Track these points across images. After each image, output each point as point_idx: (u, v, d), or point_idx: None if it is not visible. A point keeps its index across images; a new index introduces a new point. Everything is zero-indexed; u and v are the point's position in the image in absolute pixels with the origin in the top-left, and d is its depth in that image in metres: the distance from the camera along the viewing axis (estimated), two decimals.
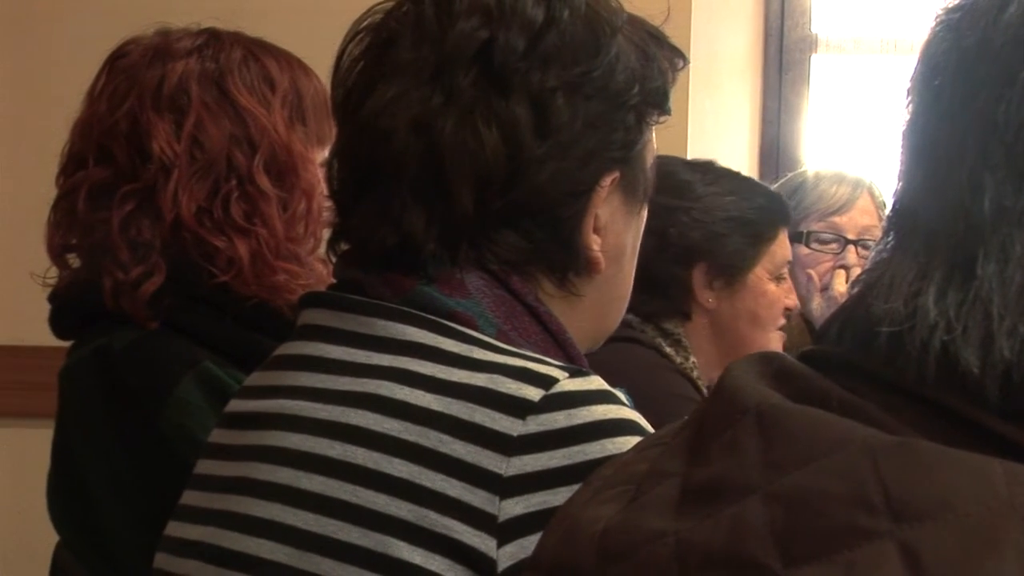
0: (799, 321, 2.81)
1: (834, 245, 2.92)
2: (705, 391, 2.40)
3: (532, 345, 1.39)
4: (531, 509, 1.26)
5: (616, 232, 1.45)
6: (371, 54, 1.42)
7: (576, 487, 0.93)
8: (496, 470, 1.27)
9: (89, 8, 3.20)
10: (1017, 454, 0.74)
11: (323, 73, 1.72)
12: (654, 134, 1.47)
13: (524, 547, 1.25)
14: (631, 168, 1.44)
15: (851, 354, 0.83)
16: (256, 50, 1.99)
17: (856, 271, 2.84)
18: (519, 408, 1.29)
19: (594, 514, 0.86)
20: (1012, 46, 0.79)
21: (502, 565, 1.26)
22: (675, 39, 1.49)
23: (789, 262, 2.55)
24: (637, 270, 1.54)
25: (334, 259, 1.47)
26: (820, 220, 2.93)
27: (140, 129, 1.92)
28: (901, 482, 0.73)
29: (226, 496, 1.41)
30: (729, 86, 3.44)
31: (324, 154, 1.93)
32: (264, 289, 1.90)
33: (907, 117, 0.84)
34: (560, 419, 1.28)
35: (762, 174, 3.40)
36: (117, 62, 1.98)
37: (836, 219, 2.93)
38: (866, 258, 2.30)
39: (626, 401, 1.34)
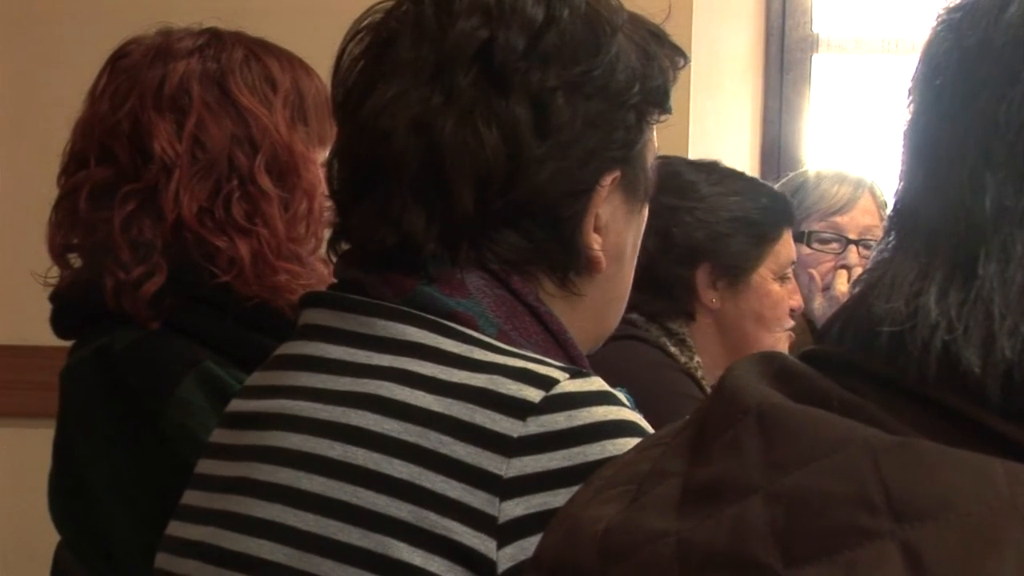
0: (800, 321, 2.81)
1: (835, 245, 2.93)
2: (709, 391, 2.40)
3: (533, 345, 1.39)
4: (531, 510, 1.26)
5: (617, 231, 1.45)
6: (371, 53, 1.42)
7: (576, 488, 0.93)
8: (496, 471, 1.27)
9: (90, 8, 3.20)
10: (1018, 454, 0.74)
11: (324, 73, 1.72)
12: (655, 133, 1.47)
13: (524, 548, 1.25)
14: (632, 167, 1.44)
15: (852, 354, 0.82)
16: (258, 50, 1.99)
17: (858, 271, 2.84)
18: (519, 409, 1.29)
19: (595, 514, 0.86)
20: (1013, 46, 0.79)
21: (502, 566, 1.26)
22: (676, 39, 1.49)
23: (794, 262, 2.55)
24: (641, 270, 1.54)
25: (335, 259, 1.47)
26: (821, 220, 2.93)
27: (141, 129, 1.92)
28: (902, 482, 0.73)
29: (227, 496, 1.41)
30: (730, 86, 3.44)
31: (325, 154, 1.93)
32: (265, 289, 1.90)
33: (908, 117, 0.84)
34: (560, 420, 1.28)
35: (763, 174, 3.40)
36: (119, 62, 1.98)
37: (837, 219, 2.93)
38: (867, 258, 2.30)
39: (626, 402, 1.34)
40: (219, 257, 1.89)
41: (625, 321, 1.75)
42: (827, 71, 3.58)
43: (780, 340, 2.51)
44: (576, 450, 1.28)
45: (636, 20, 1.45)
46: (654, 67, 1.44)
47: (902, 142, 0.85)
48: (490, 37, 1.37)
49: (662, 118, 1.46)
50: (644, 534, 0.81)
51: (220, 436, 1.49)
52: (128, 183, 1.91)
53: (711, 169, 2.51)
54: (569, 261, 1.42)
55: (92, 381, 1.91)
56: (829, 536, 0.73)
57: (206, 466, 1.48)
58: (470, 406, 1.30)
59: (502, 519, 1.26)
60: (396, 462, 1.30)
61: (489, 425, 1.28)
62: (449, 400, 1.31)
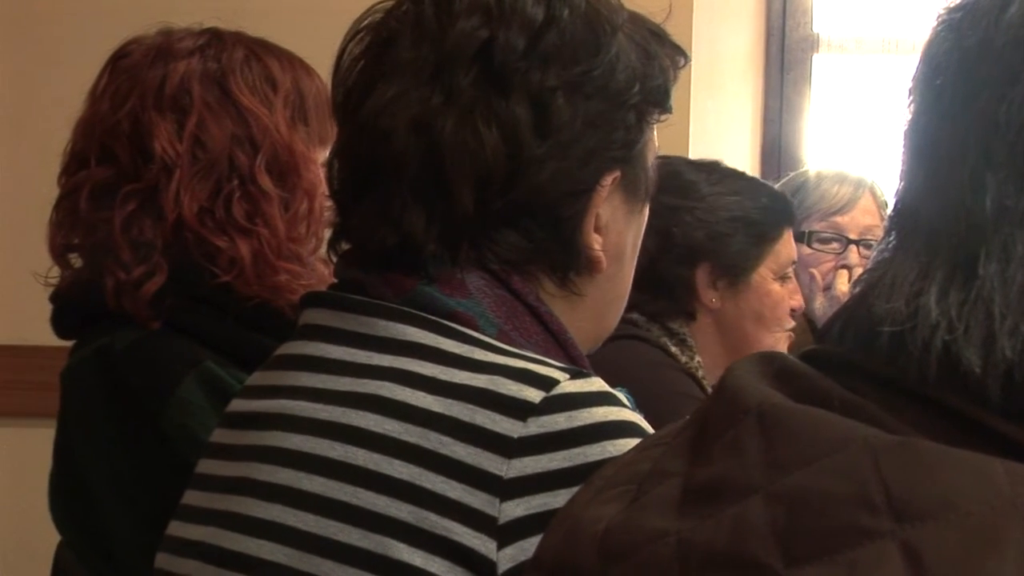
0: (801, 320, 2.81)
1: (836, 245, 2.93)
2: (710, 391, 2.40)
3: (533, 345, 1.38)
4: (531, 511, 1.26)
5: (617, 231, 1.45)
6: (371, 53, 1.42)
7: (576, 489, 0.93)
8: (496, 472, 1.27)
9: (90, 8, 3.20)
10: (1019, 454, 0.74)
11: (325, 73, 1.72)
12: (655, 133, 1.47)
13: (524, 549, 1.25)
14: (632, 167, 1.44)
15: (853, 354, 0.83)
16: (258, 50, 1.99)
17: (858, 271, 2.84)
18: (520, 410, 1.29)
19: (596, 514, 0.86)
20: (1013, 46, 0.79)
21: (502, 567, 1.26)
22: (676, 38, 1.49)
23: (794, 262, 2.55)
24: (641, 270, 1.54)
25: (335, 259, 1.47)
26: (822, 220, 2.93)
27: (142, 129, 1.92)
28: (903, 482, 0.73)
29: (227, 496, 1.41)
30: (731, 86, 3.44)
31: (326, 154, 1.93)
32: (266, 289, 1.90)
33: (909, 117, 0.84)
34: (561, 421, 1.28)
35: (764, 174, 3.40)
36: (119, 62, 1.99)
37: (838, 219, 2.93)
38: (868, 258, 2.30)
39: (627, 402, 1.34)
40: (220, 257, 1.89)
41: (626, 321, 1.75)
42: (827, 71, 3.58)
43: (780, 340, 2.51)
44: (576, 451, 1.28)
45: (636, 19, 1.45)
46: (654, 66, 1.44)
47: (902, 142, 0.85)
48: (490, 37, 1.37)
49: (662, 118, 1.46)
50: (644, 534, 0.81)
51: (220, 436, 1.48)
52: (129, 183, 1.91)
53: (711, 169, 2.51)
54: (569, 261, 1.42)
55: (93, 381, 1.91)
56: (830, 536, 0.73)
57: (206, 466, 1.48)
58: (470, 407, 1.30)
59: (502, 520, 1.26)
60: (396, 463, 1.30)
61: (489, 426, 1.28)
62: (449, 401, 1.31)
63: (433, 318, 1.36)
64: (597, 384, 1.32)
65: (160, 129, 1.91)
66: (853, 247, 2.91)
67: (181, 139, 1.90)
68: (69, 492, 1.96)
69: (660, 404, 1.82)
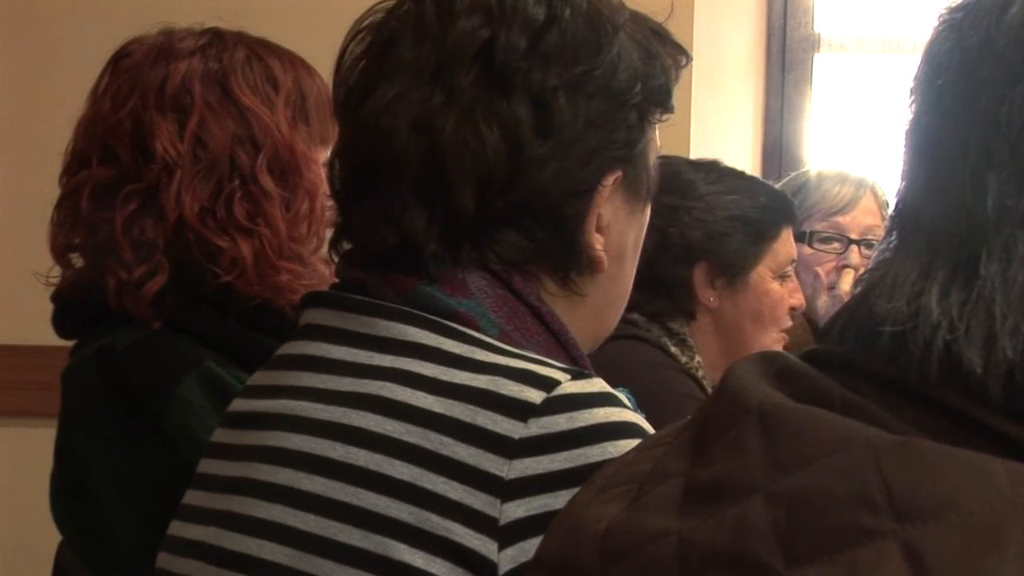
0: (802, 320, 2.81)
1: (837, 245, 2.93)
2: (710, 391, 2.40)
3: (534, 345, 1.38)
4: (532, 512, 1.26)
5: (619, 231, 1.45)
6: (372, 53, 1.42)
7: (577, 490, 0.93)
8: (497, 473, 1.27)
9: (91, 8, 3.20)
10: (1020, 454, 0.74)
11: (326, 73, 1.72)
12: (657, 132, 1.47)
13: (525, 550, 1.24)
14: (634, 167, 1.44)
15: (854, 353, 0.83)
16: (259, 50, 1.99)
17: (861, 271, 2.84)
18: (520, 411, 1.29)
19: (597, 513, 0.86)
20: (1015, 46, 0.79)
21: (503, 568, 1.26)
22: (677, 38, 1.49)
23: (794, 261, 2.55)
24: (641, 270, 1.53)
25: (336, 259, 1.47)
26: (823, 220, 2.93)
27: (143, 129, 1.92)
28: (904, 481, 0.73)
29: (228, 496, 1.41)
30: (732, 86, 3.44)
31: (327, 154, 1.93)
32: (267, 289, 1.90)
33: (910, 117, 0.84)
34: (561, 422, 1.28)
35: (765, 173, 3.40)
36: (120, 62, 1.99)
37: (839, 219, 2.93)
38: (869, 258, 2.30)
39: (628, 403, 1.34)
40: (221, 257, 1.89)
41: (626, 321, 1.75)
42: (828, 71, 3.58)
43: (778, 341, 2.51)
44: (577, 451, 1.27)
45: (638, 19, 1.45)
46: (656, 66, 1.44)
47: (904, 142, 0.85)
48: (491, 37, 1.37)
49: (664, 117, 1.46)
50: (645, 534, 0.81)
51: (222, 436, 1.48)
52: (130, 183, 1.91)
53: (710, 168, 2.51)
54: (571, 261, 1.42)
55: (94, 381, 1.91)
56: (831, 536, 0.73)
57: (208, 466, 1.48)
58: (471, 407, 1.30)
59: (503, 521, 1.26)
60: (397, 463, 1.30)
61: (490, 426, 1.28)
62: (450, 401, 1.30)
63: (434, 318, 1.36)
64: (598, 385, 1.32)
65: (161, 129, 1.91)
66: (854, 247, 2.91)
67: (182, 139, 1.90)
68: (70, 492, 1.96)
69: (660, 404, 1.82)
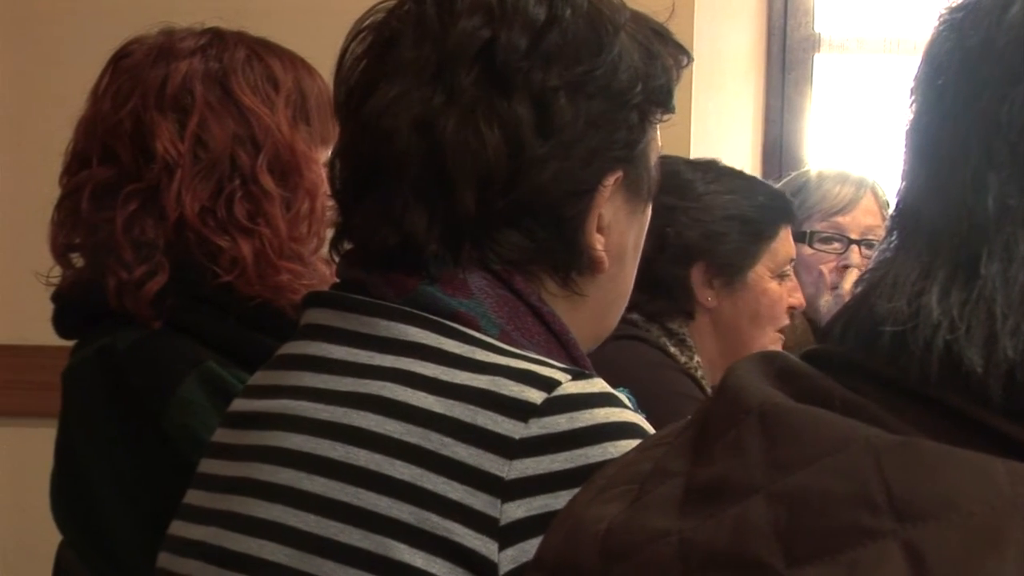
0: (803, 321, 2.80)
1: (837, 245, 2.92)
2: (709, 390, 2.40)
3: (535, 345, 1.38)
4: (533, 512, 1.26)
5: (619, 231, 1.45)
6: (373, 53, 1.42)
7: (578, 490, 0.93)
8: (498, 473, 1.27)
9: (91, 8, 3.20)
10: (1020, 454, 0.74)
11: (327, 73, 1.72)
12: (658, 132, 1.47)
13: (525, 550, 1.24)
14: (634, 167, 1.44)
15: (854, 353, 0.83)
16: (260, 50, 1.99)
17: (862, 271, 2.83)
18: (521, 411, 1.29)
19: (597, 513, 0.86)
20: (1015, 46, 0.79)
21: (503, 568, 1.26)
22: (677, 38, 1.48)
23: (792, 260, 2.54)
24: (640, 270, 1.53)
25: (337, 258, 1.47)
26: (823, 220, 2.93)
27: (144, 129, 1.92)
28: (904, 481, 0.73)
29: (228, 496, 1.41)
30: (732, 85, 3.44)
31: (328, 154, 1.93)
32: (267, 289, 1.90)
33: (910, 117, 0.85)
34: (562, 422, 1.28)
35: (765, 173, 3.40)
36: (121, 61, 1.99)
37: (839, 219, 2.93)
38: (869, 258, 2.30)
39: (628, 403, 1.34)
40: (221, 257, 1.89)
41: (625, 321, 1.74)
42: (829, 71, 3.57)
43: (776, 340, 2.50)
44: (578, 452, 1.27)
45: (639, 19, 1.45)
46: (657, 66, 1.44)
47: (904, 142, 0.85)
48: (492, 37, 1.37)
49: (665, 118, 1.46)
50: (646, 534, 0.81)
51: (222, 436, 1.48)
52: (130, 183, 1.91)
53: (708, 168, 2.51)
54: (572, 261, 1.42)
55: (94, 381, 1.91)
56: (831, 536, 0.73)
57: (208, 466, 1.48)
58: (472, 407, 1.30)
59: (503, 521, 1.26)
60: (398, 463, 1.30)
61: (491, 427, 1.28)
62: (451, 401, 1.30)
63: (435, 318, 1.36)
64: (599, 385, 1.32)
65: (162, 129, 1.91)
66: (855, 247, 2.91)
67: (183, 139, 1.90)
68: (70, 492, 1.96)
69: (660, 405, 1.82)
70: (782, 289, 2.50)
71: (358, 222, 1.42)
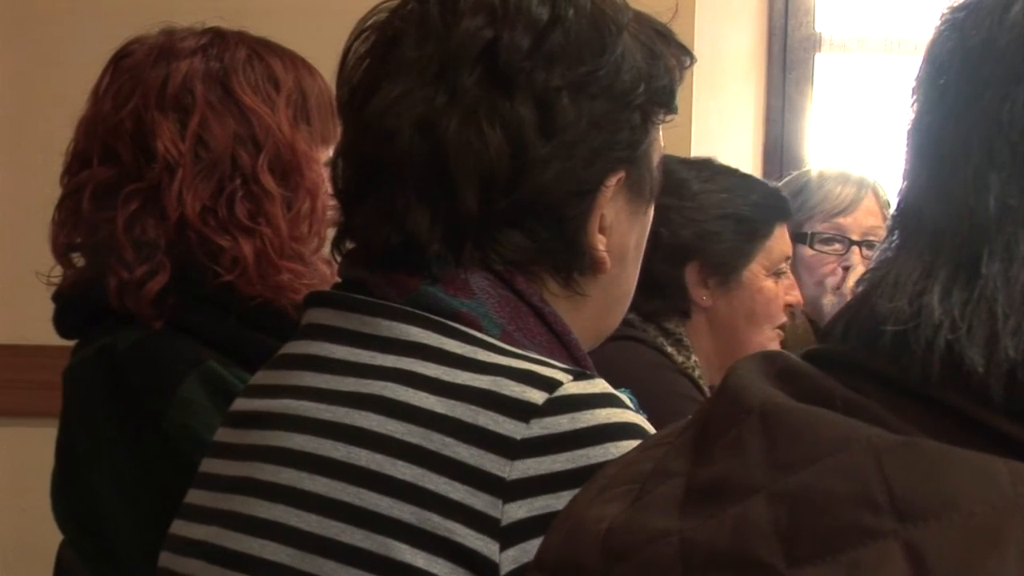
0: (804, 321, 2.80)
1: (838, 246, 2.92)
2: (707, 390, 2.40)
3: (536, 346, 1.38)
4: (534, 513, 1.26)
5: (621, 232, 1.45)
6: (376, 52, 1.42)
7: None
8: (499, 473, 1.27)
9: (91, 8, 3.20)
10: (1022, 453, 0.74)
11: (327, 73, 1.72)
12: (660, 133, 1.47)
13: (527, 551, 1.24)
14: (637, 168, 1.44)
15: (855, 353, 0.83)
16: (260, 49, 1.99)
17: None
18: (522, 411, 1.28)
19: (598, 513, 0.86)
20: (1017, 45, 0.79)
21: (504, 569, 1.26)
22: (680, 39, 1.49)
23: (788, 258, 2.54)
24: None
25: (339, 258, 1.47)
26: (824, 221, 2.92)
27: (144, 128, 1.92)
28: (905, 481, 0.73)
29: (230, 496, 1.41)
30: (733, 85, 3.44)
31: (328, 154, 1.93)
32: (268, 288, 1.90)
33: (912, 116, 0.85)
34: (563, 423, 1.28)
35: (766, 173, 3.40)
36: (121, 61, 1.99)
37: (840, 220, 2.92)
38: (871, 259, 2.30)
39: (630, 404, 1.34)
40: (222, 256, 1.89)
41: (622, 321, 1.74)
42: (830, 70, 3.57)
43: (773, 338, 2.50)
44: (579, 452, 1.27)
45: (642, 19, 1.45)
46: (660, 67, 1.43)
47: (906, 141, 0.85)
48: (495, 37, 1.37)
49: (667, 118, 1.46)
50: (647, 533, 0.81)
51: (224, 435, 1.48)
52: (131, 182, 1.91)
53: (703, 166, 2.50)
54: (573, 261, 1.42)
55: (95, 381, 1.91)
56: (832, 536, 0.73)
57: (210, 465, 1.48)
58: (473, 407, 1.30)
59: (505, 521, 1.26)
60: (399, 463, 1.30)
61: (492, 427, 1.28)
62: (452, 401, 1.30)
63: (437, 318, 1.36)
64: (600, 385, 1.32)
65: (163, 128, 1.91)
66: (856, 248, 2.91)
67: (184, 138, 1.91)
68: (71, 491, 1.96)
69: (658, 406, 1.81)
70: (778, 287, 2.50)
71: (360, 222, 1.42)
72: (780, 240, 2.50)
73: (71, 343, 2.02)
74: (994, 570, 0.70)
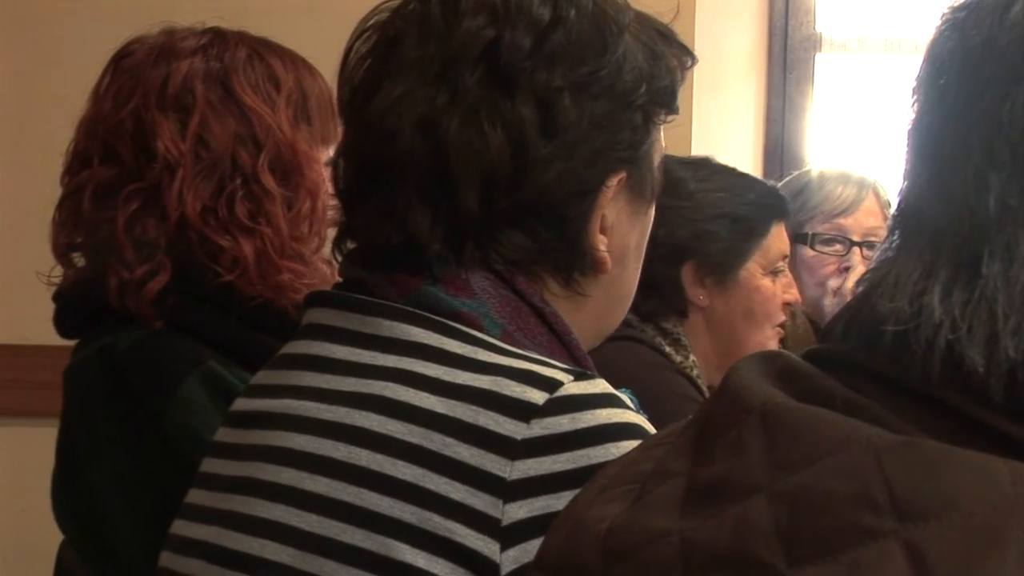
0: (804, 322, 2.80)
1: (839, 247, 2.92)
2: (705, 390, 2.40)
3: (537, 346, 1.38)
4: (534, 513, 1.26)
5: (622, 232, 1.45)
6: (377, 52, 1.42)
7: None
8: (500, 474, 1.27)
9: (91, 8, 3.20)
10: (1022, 453, 0.74)
11: (328, 73, 1.72)
12: (662, 133, 1.47)
13: (527, 551, 1.24)
14: (638, 168, 1.44)
15: (856, 353, 0.83)
16: (261, 49, 2.00)
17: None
18: (523, 411, 1.29)
19: (599, 513, 0.86)
20: (1017, 45, 0.79)
21: (505, 569, 1.26)
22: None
23: (786, 256, 2.54)
24: None
25: (340, 258, 1.47)
26: (825, 222, 2.92)
27: (145, 128, 1.92)
28: (906, 481, 0.73)
29: (231, 496, 1.41)
30: (733, 85, 3.44)
31: (329, 153, 1.93)
32: (269, 288, 1.90)
33: (912, 116, 0.85)
34: (564, 423, 1.28)
35: (766, 173, 3.40)
36: (122, 61, 1.99)
37: (841, 221, 2.92)
38: (871, 259, 2.30)
39: (630, 404, 1.34)
40: (223, 256, 1.89)
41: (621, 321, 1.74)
42: (830, 70, 3.57)
43: (772, 337, 2.50)
44: (580, 453, 1.27)
45: (643, 19, 1.45)
46: (661, 67, 1.43)
47: (906, 141, 0.85)
48: (496, 36, 1.37)
49: (669, 118, 1.46)
50: (647, 533, 0.81)
51: (224, 435, 1.48)
52: (132, 182, 1.91)
53: (700, 165, 2.50)
54: (574, 261, 1.42)
55: (95, 380, 1.91)
56: (832, 536, 0.73)
57: (210, 465, 1.48)
58: (474, 408, 1.29)
59: (505, 521, 1.26)
60: (400, 463, 1.30)
61: (493, 427, 1.28)
62: (453, 402, 1.30)
63: (437, 318, 1.36)
64: (601, 386, 1.32)
65: (163, 128, 1.91)
66: (856, 249, 2.91)
67: (184, 138, 1.91)
68: (72, 491, 1.96)
69: (657, 406, 1.81)
70: (775, 286, 2.49)
71: (361, 222, 1.42)
72: (777, 239, 2.50)
73: (71, 343, 2.02)
74: (994, 570, 0.70)
